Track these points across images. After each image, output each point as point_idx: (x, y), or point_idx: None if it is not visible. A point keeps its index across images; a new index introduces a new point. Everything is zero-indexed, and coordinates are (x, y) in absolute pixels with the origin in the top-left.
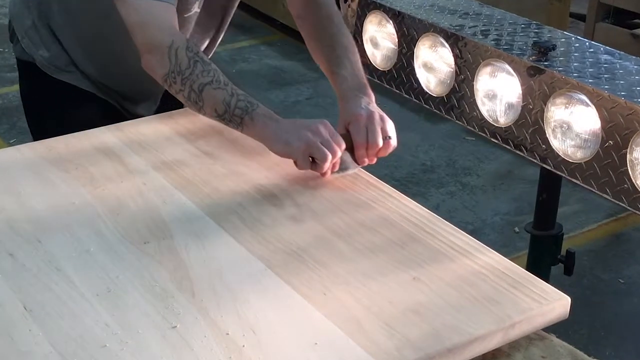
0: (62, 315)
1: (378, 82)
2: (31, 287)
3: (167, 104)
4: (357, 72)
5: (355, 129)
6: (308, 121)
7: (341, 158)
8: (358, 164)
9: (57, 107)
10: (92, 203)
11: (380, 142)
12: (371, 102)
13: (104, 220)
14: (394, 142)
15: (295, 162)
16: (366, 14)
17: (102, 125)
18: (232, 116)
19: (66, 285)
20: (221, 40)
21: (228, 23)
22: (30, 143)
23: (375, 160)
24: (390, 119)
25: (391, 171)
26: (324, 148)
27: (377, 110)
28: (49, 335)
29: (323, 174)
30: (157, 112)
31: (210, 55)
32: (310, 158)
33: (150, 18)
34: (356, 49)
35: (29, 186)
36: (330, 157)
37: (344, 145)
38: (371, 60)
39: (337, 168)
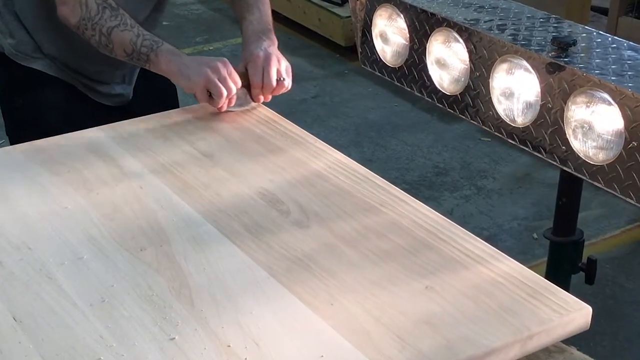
0: (53, 326)
1: (388, 79)
2: (21, 297)
3: (147, 84)
4: (265, 17)
5: (252, 68)
6: (210, 58)
7: (238, 95)
8: (254, 101)
9: (27, 94)
10: (85, 208)
11: (274, 83)
12: (272, 45)
13: (98, 226)
14: (287, 83)
15: (195, 95)
16: (375, 8)
17: (73, 111)
18: (140, 54)
19: (58, 295)
20: (222, 36)
21: None
22: (20, 145)
23: (269, 98)
24: (402, 119)
25: (402, 174)
26: (220, 84)
27: (275, 53)
28: (40, 348)
29: (219, 109)
30: (138, 94)
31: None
32: (209, 92)
33: None
34: (269, 7)
35: (18, 190)
36: (225, 93)
37: (239, 83)
38: (381, 57)
39: (232, 104)
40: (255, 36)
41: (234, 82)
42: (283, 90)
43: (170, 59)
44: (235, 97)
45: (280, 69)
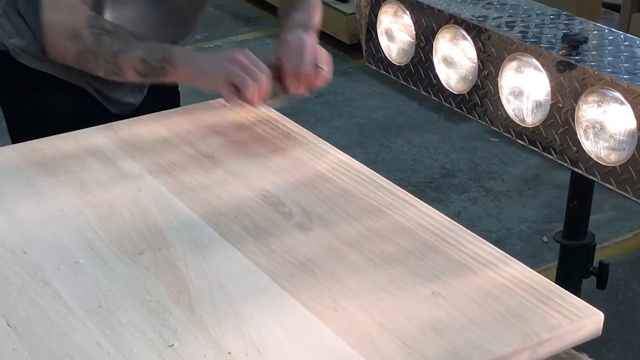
0: (49, 332)
1: (394, 78)
2: (15, 302)
3: (158, 93)
4: (308, 15)
5: (286, 55)
6: (228, 51)
7: (270, 88)
8: (287, 93)
9: (33, 97)
10: (82, 210)
11: (310, 69)
12: (309, 35)
13: (95, 229)
14: (326, 73)
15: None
16: (381, 4)
17: (81, 116)
18: (154, 69)
19: (53, 300)
20: (222, 33)
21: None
22: (15, 145)
23: (305, 91)
24: (407, 118)
25: (408, 175)
26: (243, 74)
27: (311, 40)
28: (35, 355)
29: (251, 103)
30: (146, 101)
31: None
32: (235, 88)
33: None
34: (320, 9)
35: (12, 192)
36: (250, 81)
37: (266, 71)
38: (386, 55)
39: (265, 97)
40: (293, 28)
41: (260, 70)
42: (321, 82)
43: (187, 61)
44: (266, 88)
45: (319, 56)
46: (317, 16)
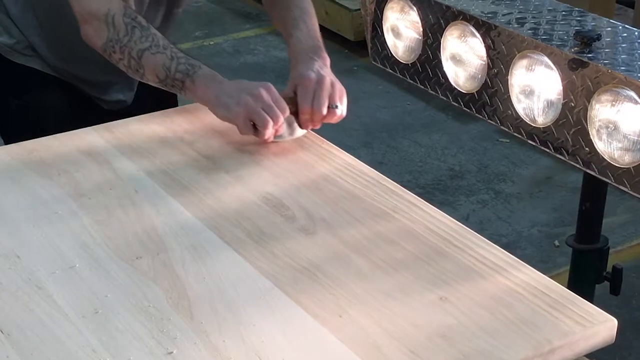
0: (43, 339)
1: (400, 76)
2: (9, 308)
3: (154, 90)
4: (313, 33)
5: (302, 92)
6: (252, 84)
7: (285, 121)
8: (301, 129)
9: (21, 93)
10: (77, 213)
11: (324, 110)
12: (324, 66)
13: (91, 232)
14: (340, 111)
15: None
16: (387, 0)
17: (74, 113)
18: (174, 80)
19: (48, 306)
20: (223, 29)
21: None
22: (7, 146)
23: (319, 125)
24: (414, 118)
25: (415, 177)
26: (264, 114)
27: (328, 75)
28: None
29: (265, 140)
30: (142, 98)
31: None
32: (252, 123)
33: None
34: (314, 12)
35: (5, 194)
36: (271, 123)
37: (287, 112)
38: (392, 52)
39: (280, 132)
40: (305, 56)
41: (282, 110)
42: (335, 119)
43: (209, 85)
44: (282, 126)
45: (334, 94)
46: (316, 24)
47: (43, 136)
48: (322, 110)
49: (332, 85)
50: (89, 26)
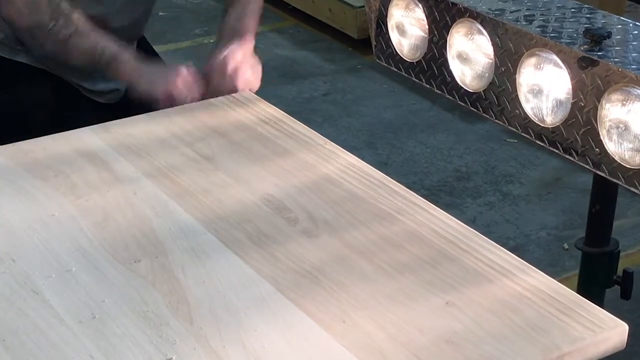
0: (39, 345)
1: (405, 75)
2: (4, 313)
3: None
4: (244, 17)
5: (218, 76)
6: (172, 65)
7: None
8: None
9: (10, 90)
10: (74, 216)
11: (224, 93)
12: (239, 48)
13: (88, 235)
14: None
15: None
16: None
17: (66, 107)
18: (99, 63)
19: (44, 311)
20: None
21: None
22: (2, 146)
23: None
24: (420, 118)
25: (420, 178)
26: (184, 90)
27: (244, 59)
28: None
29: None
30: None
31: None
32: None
33: None
34: (259, 6)
35: (1, 196)
36: (188, 100)
37: (202, 92)
38: (397, 50)
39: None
40: (226, 36)
41: (199, 88)
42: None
43: (133, 65)
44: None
45: (236, 79)
46: (256, 14)
47: (32, 133)
48: (222, 93)
49: (238, 74)
50: (12, 7)
